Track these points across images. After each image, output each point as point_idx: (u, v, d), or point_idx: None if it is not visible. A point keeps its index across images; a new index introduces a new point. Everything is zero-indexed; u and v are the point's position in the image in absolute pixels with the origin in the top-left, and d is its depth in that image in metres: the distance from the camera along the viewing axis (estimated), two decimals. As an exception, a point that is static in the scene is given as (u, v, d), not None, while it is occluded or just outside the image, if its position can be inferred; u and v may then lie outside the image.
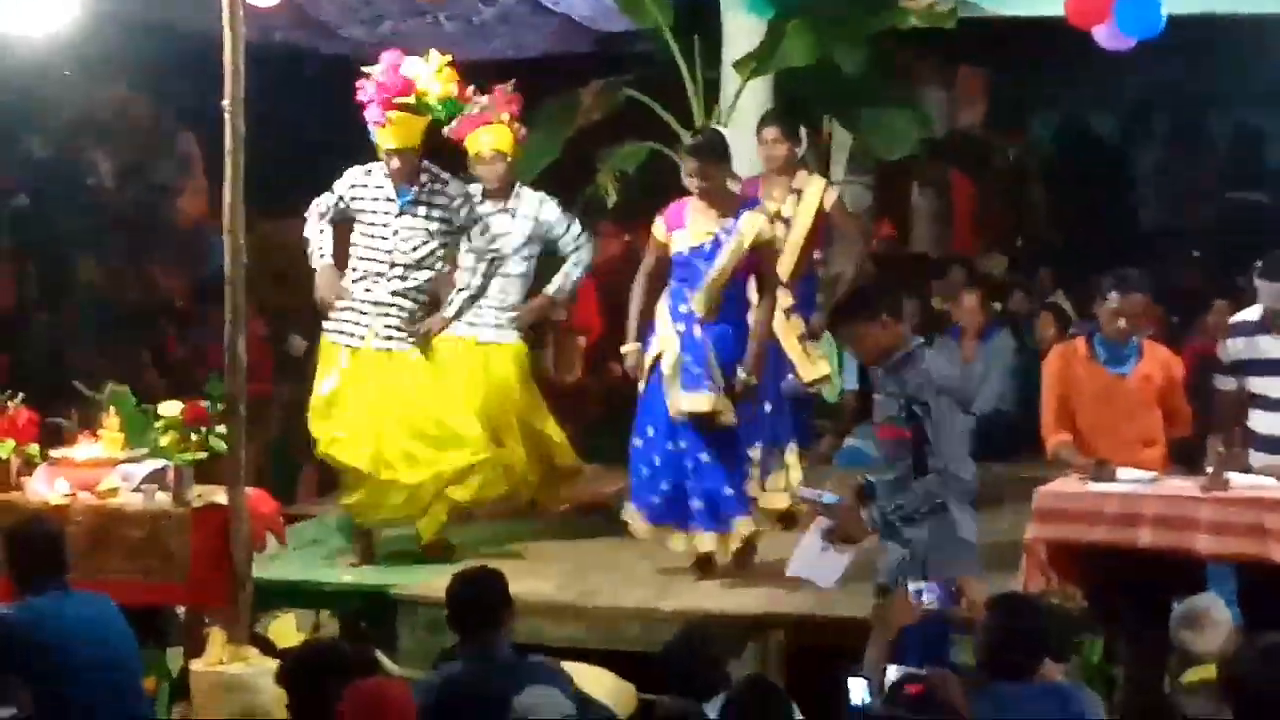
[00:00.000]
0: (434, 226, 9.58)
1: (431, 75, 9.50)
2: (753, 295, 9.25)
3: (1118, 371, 8.70)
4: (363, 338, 9.57)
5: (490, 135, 10.12)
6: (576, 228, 10.43)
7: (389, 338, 9.57)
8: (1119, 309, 8.64)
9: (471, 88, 9.93)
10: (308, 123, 13.83)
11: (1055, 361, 8.88)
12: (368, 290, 9.58)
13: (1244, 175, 17.65)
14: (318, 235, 9.68)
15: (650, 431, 9.20)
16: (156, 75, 14.20)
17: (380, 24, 12.54)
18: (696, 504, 9.12)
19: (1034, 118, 18.40)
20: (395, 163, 9.50)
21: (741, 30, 11.87)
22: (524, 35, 13.11)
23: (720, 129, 9.56)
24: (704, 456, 9.08)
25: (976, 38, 12.41)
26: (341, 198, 9.66)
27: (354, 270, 9.65)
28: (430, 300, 9.74)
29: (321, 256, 9.66)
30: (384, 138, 9.49)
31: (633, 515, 9.32)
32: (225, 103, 8.25)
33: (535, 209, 10.32)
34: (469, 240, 9.80)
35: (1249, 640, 6.28)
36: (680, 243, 9.15)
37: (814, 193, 10.05)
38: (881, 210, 15.67)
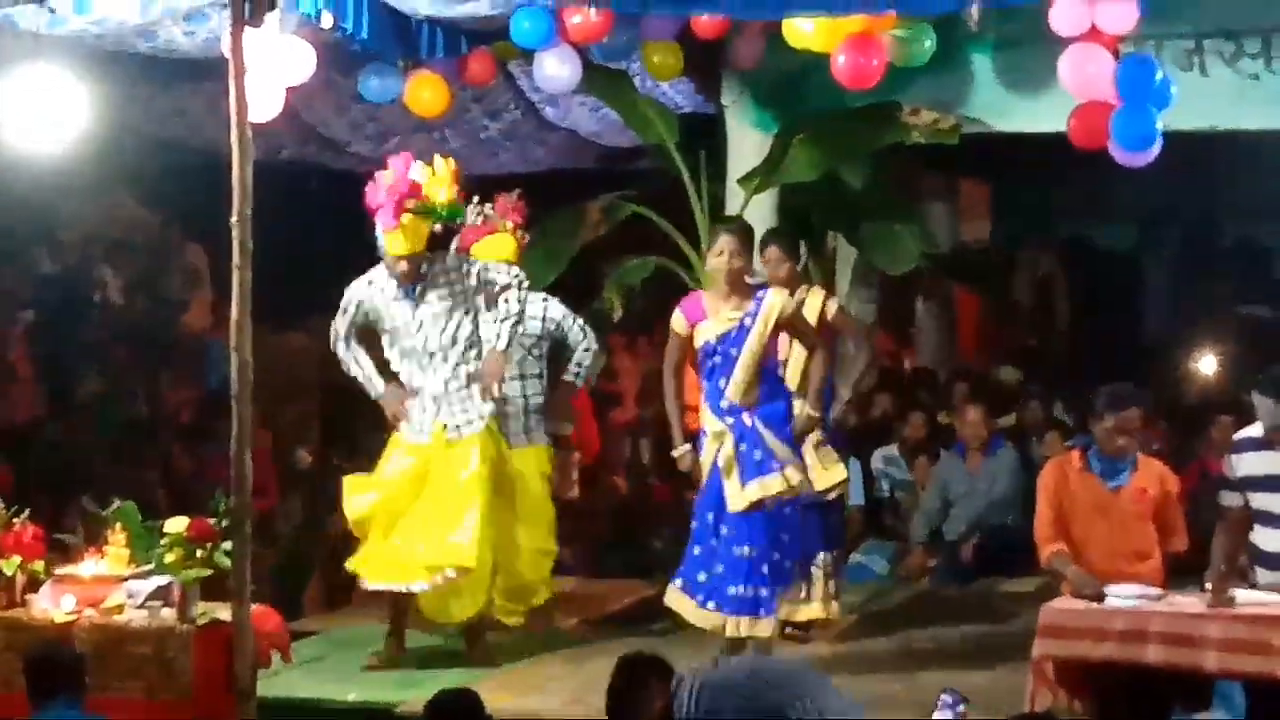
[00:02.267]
0: (451, 304, 9.63)
1: (437, 180, 9.60)
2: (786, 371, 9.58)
3: (1112, 485, 8.75)
4: (430, 432, 9.64)
5: (497, 244, 10.18)
6: (579, 320, 10.49)
7: (458, 426, 9.64)
8: (1114, 425, 8.71)
9: (475, 198, 10.06)
10: (314, 237, 13.91)
11: (1050, 473, 8.95)
12: (420, 385, 9.66)
13: (1251, 290, 17.71)
14: (358, 367, 9.79)
15: (709, 518, 9.25)
16: (164, 190, 14.32)
17: (387, 140, 12.62)
18: (736, 590, 9.16)
19: (1039, 231, 18.46)
20: (402, 266, 9.56)
21: (746, 145, 11.96)
22: (530, 151, 13.21)
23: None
24: (766, 544, 9.16)
25: (980, 153, 12.47)
26: (359, 308, 9.71)
27: (399, 372, 9.74)
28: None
29: (376, 387, 9.77)
30: (393, 243, 9.52)
31: (676, 596, 9.33)
32: (233, 218, 8.29)
33: (541, 309, 10.42)
34: (491, 288, 9.73)
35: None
36: (706, 333, 9.28)
37: (815, 304, 10.08)
38: (886, 324, 15.73)
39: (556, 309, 10.48)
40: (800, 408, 9.42)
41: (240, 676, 8.22)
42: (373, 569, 9.74)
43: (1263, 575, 8.42)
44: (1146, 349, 16.86)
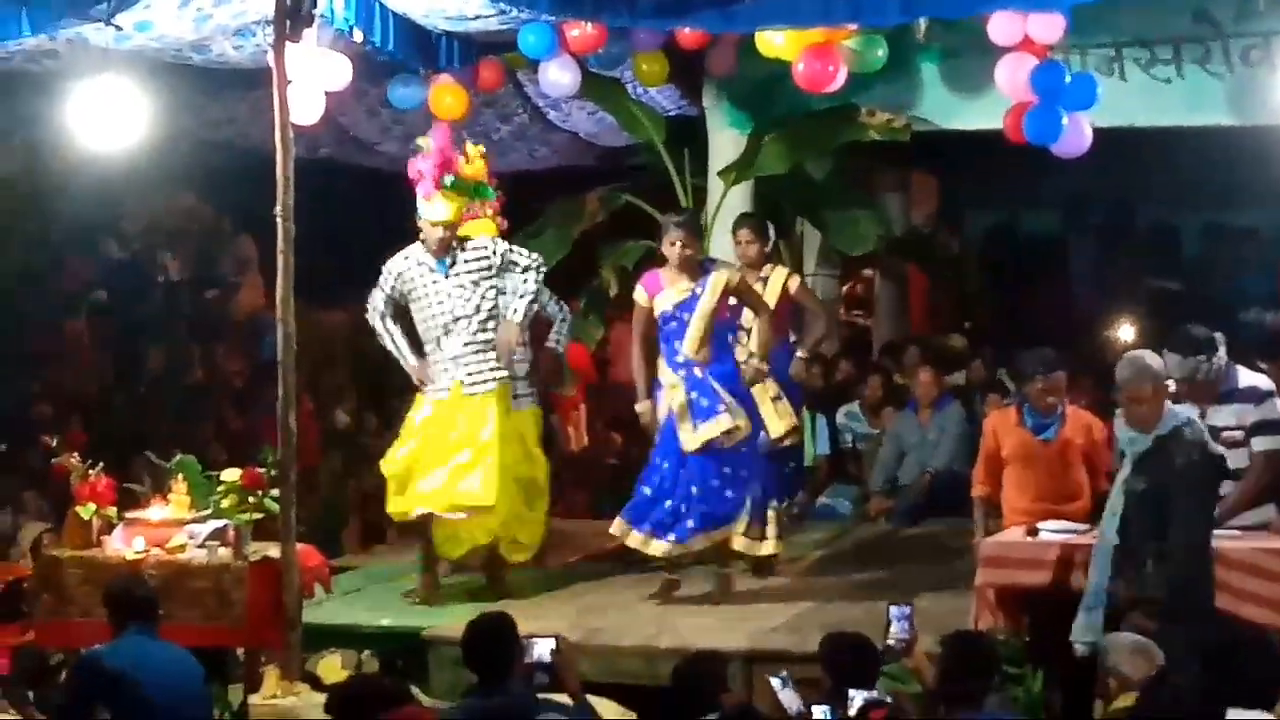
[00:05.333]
0: (476, 278, 9.64)
1: (469, 163, 9.79)
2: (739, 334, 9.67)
3: (1042, 437, 8.82)
4: (448, 389, 9.62)
5: (480, 228, 10.14)
6: (551, 294, 10.43)
7: (473, 384, 9.62)
8: (1043, 387, 8.78)
9: None
10: (349, 226, 13.89)
11: (990, 426, 9.15)
12: (443, 349, 9.64)
13: (1163, 265, 17.70)
14: (392, 342, 9.78)
15: (660, 462, 9.40)
16: (218, 186, 14.30)
17: (412, 140, 12.59)
18: (690, 522, 9.35)
19: (981, 216, 18.45)
20: (439, 233, 9.57)
21: (725, 143, 11.95)
22: (537, 149, 13.19)
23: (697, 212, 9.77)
24: (714, 481, 9.33)
25: (928, 148, 12.48)
26: (393, 288, 9.72)
27: (425, 336, 9.73)
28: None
29: (406, 359, 9.76)
30: (433, 210, 9.57)
31: (620, 527, 9.49)
32: (277, 209, 8.32)
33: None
34: (515, 269, 9.72)
35: (1161, 673, 6.31)
36: (664, 302, 9.40)
37: (778, 279, 10.25)
38: (847, 298, 15.72)
39: (532, 285, 10.37)
40: (748, 361, 9.48)
41: (288, 606, 8.30)
42: (400, 504, 9.74)
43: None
44: (1074, 317, 16.84)
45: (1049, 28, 9.79)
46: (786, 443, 10.06)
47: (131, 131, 9.32)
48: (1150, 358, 7.74)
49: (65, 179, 12.79)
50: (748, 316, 9.83)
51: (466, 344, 9.63)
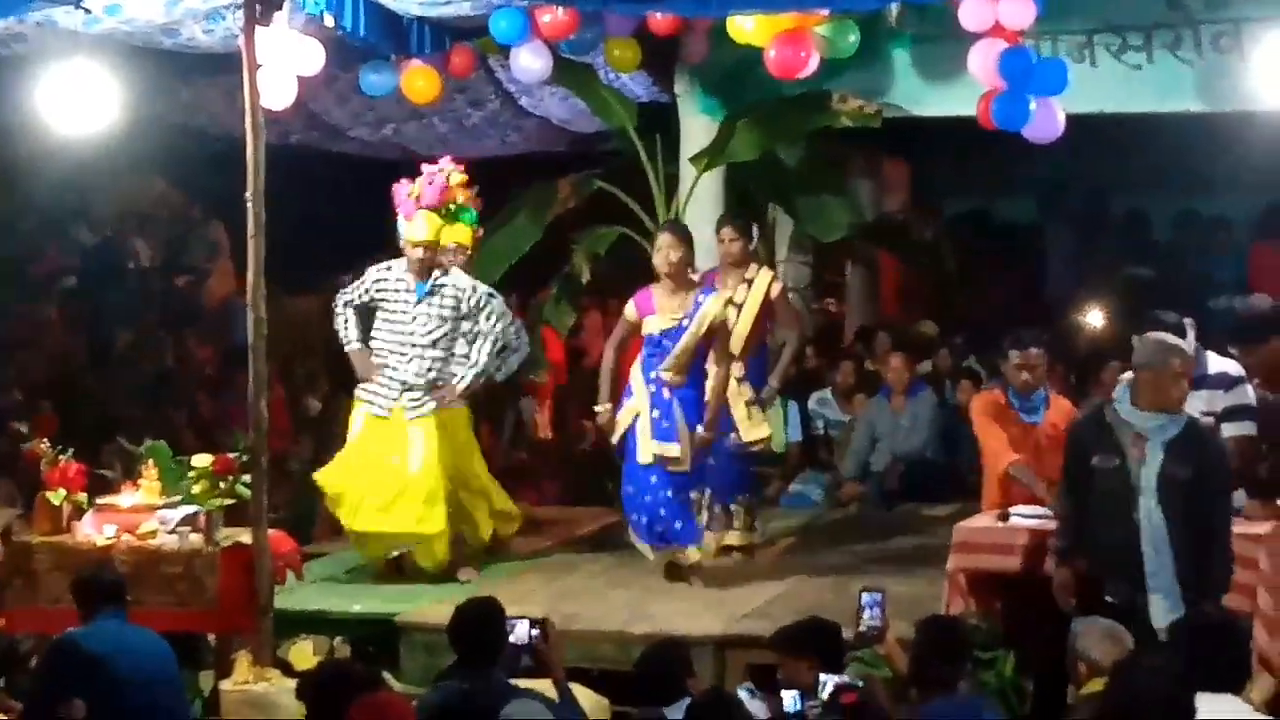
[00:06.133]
0: (446, 313, 9.75)
1: (457, 186, 9.97)
2: (709, 365, 9.53)
3: (1030, 420, 8.81)
4: (389, 409, 9.74)
5: (454, 234, 10.16)
6: (518, 325, 10.51)
7: (417, 408, 9.74)
8: (1020, 364, 8.79)
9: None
10: (319, 212, 13.87)
11: (981, 404, 9.07)
12: (394, 370, 9.74)
13: (1136, 253, 17.73)
14: (344, 326, 9.88)
15: (632, 487, 9.52)
16: (189, 171, 14.27)
17: (383, 126, 12.58)
18: (658, 530, 9.50)
19: (952, 203, 18.46)
20: (420, 253, 9.67)
21: (696, 129, 11.95)
22: (508, 135, 13.17)
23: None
24: (667, 494, 9.41)
25: (900, 134, 12.49)
26: (367, 290, 9.82)
27: (378, 353, 9.81)
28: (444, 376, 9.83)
29: (350, 343, 9.89)
30: (415, 231, 9.69)
31: (636, 541, 9.65)
32: (248, 195, 8.30)
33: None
34: (476, 324, 9.84)
35: (1133, 655, 6.33)
36: (652, 326, 9.45)
37: (762, 283, 10.25)
38: (819, 285, 15.73)
39: (483, 359, 10.00)
40: (698, 431, 9.40)
41: (259, 591, 8.30)
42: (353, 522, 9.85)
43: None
44: (1047, 305, 16.87)
45: (1020, 14, 9.80)
46: (756, 448, 10.18)
47: (101, 116, 9.27)
48: (1172, 337, 7.66)
49: (35, 164, 12.75)
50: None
51: (418, 374, 9.73)
